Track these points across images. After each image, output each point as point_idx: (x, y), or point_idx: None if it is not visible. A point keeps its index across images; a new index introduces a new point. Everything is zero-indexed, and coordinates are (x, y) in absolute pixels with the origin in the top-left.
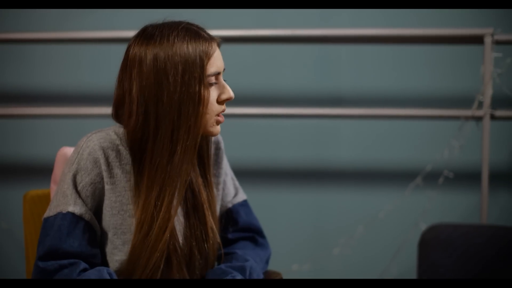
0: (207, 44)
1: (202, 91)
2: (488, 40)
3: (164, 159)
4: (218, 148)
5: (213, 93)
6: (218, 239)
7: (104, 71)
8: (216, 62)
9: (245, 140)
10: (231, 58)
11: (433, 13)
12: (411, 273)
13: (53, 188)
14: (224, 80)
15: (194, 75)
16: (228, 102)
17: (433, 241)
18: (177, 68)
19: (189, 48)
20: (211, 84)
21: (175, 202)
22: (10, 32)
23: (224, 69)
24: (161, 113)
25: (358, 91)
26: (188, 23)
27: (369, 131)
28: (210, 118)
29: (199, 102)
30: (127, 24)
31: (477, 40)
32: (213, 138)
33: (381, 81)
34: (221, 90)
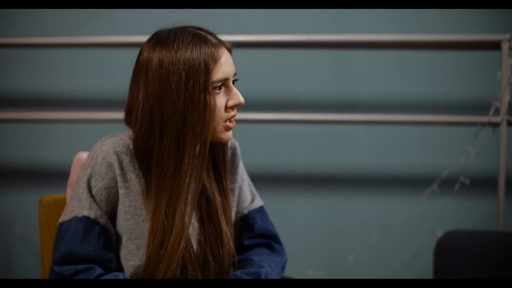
0: (213, 49)
1: (207, 98)
2: (505, 46)
3: (171, 167)
4: (234, 154)
5: (221, 100)
6: (232, 245)
7: (120, 76)
8: (224, 67)
9: (260, 146)
10: (246, 63)
11: (450, 18)
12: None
13: (69, 192)
14: (233, 84)
15: (199, 82)
16: (244, 107)
17: (449, 248)
18: (181, 75)
19: (193, 54)
20: (218, 90)
21: (188, 209)
22: (26, 36)
23: (235, 74)
24: (165, 120)
25: (373, 97)
26: (196, 28)
27: (384, 137)
28: (218, 124)
29: (205, 109)
30: (143, 29)
31: (494, 46)
32: (229, 144)
33: (397, 86)
34: (230, 96)
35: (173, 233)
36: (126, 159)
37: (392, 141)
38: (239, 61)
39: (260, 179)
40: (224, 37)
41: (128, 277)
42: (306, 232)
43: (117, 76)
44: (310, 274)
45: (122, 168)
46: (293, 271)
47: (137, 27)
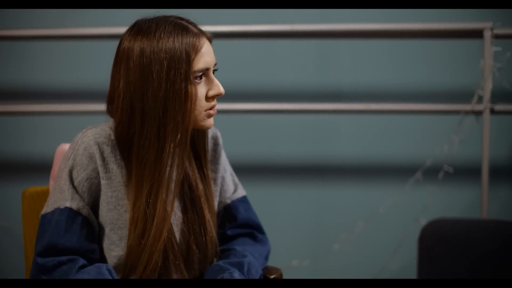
0: (194, 39)
1: (188, 87)
2: (487, 34)
3: (152, 156)
4: (216, 144)
5: (202, 89)
6: (215, 234)
7: (102, 67)
8: (205, 57)
9: (244, 136)
10: (230, 53)
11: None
12: (411, 269)
13: (52, 184)
14: (214, 74)
15: (180, 71)
16: (228, 97)
17: (433, 236)
18: (162, 64)
19: (175, 43)
20: (199, 80)
21: (170, 197)
22: (9, 29)
23: (215, 64)
24: (146, 109)
25: (357, 86)
26: (177, 18)
27: (369, 126)
28: (199, 113)
29: (186, 98)
30: (126, 21)
31: (477, 34)
32: (211, 134)
33: (381, 76)
34: (210, 86)
35: (154, 222)
36: (107, 150)
37: (377, 130)
38: (223, 52)
39: (244, 169)
40: (206, 27)
41: (112, 268)
42: (290, 222)
43: (100, 68)
44: (295, 264)
45: (103, 159)
46: (278, 261)
47: (123, 19)
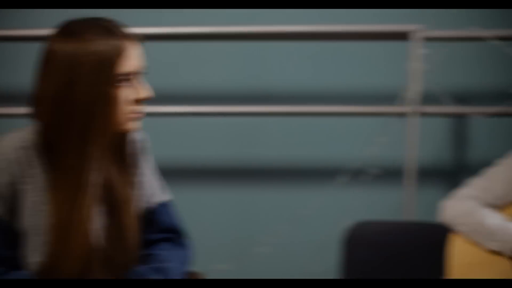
0: (121, 42)
1: (114, 91)
2: (415, 36)
3: (73, 160)
4: (142, 147)
5: (127, 93)
6: (137, 239)
7: (24, 69)
8: (132, 60)
9: (171, 139)
10: (157, 56)
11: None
12: (335, 271)
13: None
14: (142, 78)
15: (106, 74)
16: (155, 100)
17: (357, 239)
18: (88, 67)
19: (102, 46)
20: (124, 84)
21: (91, 202)
22: (8, 29)
23: (143, 67)
24: (70, 112)
25: (284, 88)
26: (104, 20)
27: (294, 128)
28: (124, 117)
29: (111, 102)
30: (51, 22)
31: (404, 36)
32: (136, 137)
33: (307, 77)
34: (138, 89)
35: (75, 228)
36: (28, 154)
37: (302, 132)
38: (149, 54)
39: (169, 173)
40: (134, 30)
41: (29, 276)
42: (214, 225)
43: (22, 69)
44: (218, 268)
45: (24, 164)
46: (200, 265)
47: (46, 19)
